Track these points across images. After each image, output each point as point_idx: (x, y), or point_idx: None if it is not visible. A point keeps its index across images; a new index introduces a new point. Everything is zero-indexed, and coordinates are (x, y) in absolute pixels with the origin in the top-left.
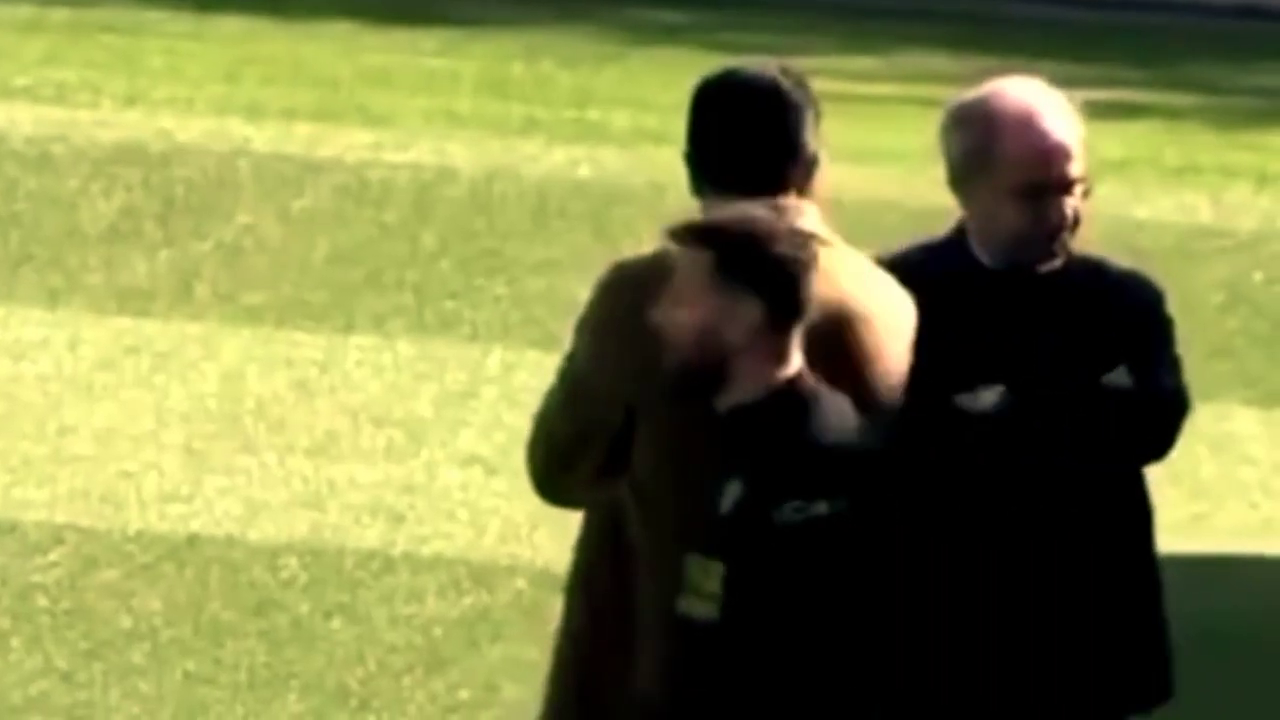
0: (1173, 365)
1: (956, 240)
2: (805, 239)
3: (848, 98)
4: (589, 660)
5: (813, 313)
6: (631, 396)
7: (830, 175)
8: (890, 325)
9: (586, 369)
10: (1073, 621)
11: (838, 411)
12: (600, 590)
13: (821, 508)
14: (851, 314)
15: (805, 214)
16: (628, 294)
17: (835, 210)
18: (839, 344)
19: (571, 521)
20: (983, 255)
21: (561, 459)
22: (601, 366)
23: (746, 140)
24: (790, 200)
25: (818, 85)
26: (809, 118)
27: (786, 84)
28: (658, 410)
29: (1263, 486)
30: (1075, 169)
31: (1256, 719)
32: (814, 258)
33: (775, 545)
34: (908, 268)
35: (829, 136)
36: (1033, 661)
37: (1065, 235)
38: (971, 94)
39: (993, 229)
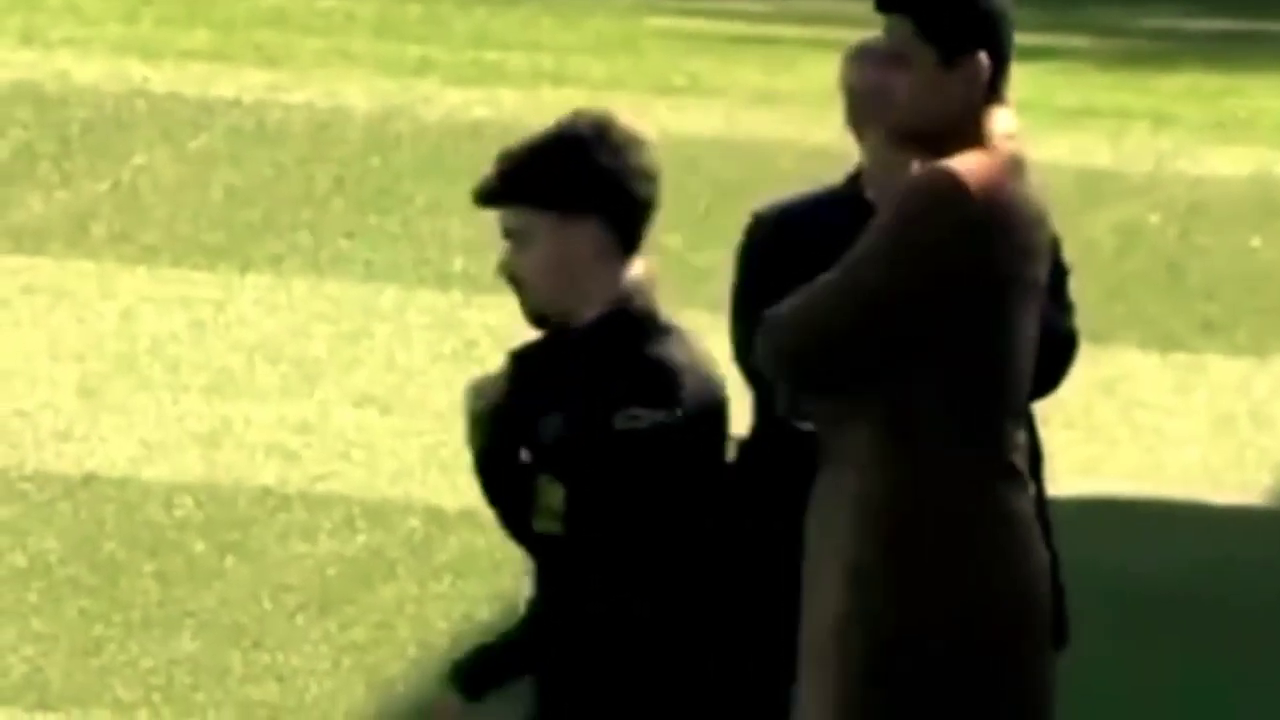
0: (1067, 309)
1: (849, 189)
2: None
3: (746, 39)
4: None
5: None
6: None
7: (730, 117)
8: None
9: None
10: None
11: None
12: None
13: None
14: None
15: None
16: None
17: (733, 151)
18: None
19: (462, 461)
20: (877, 199)
21: None
22: None
23: None
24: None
25: (720, 27)
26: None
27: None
28: None
29: (1157, 430)
30: None
31: (1149, 661)
32: None
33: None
34: (794, 218)
35: (730, 78)
36: None
37: None
38: (876, 35)
39: (888, 168)
